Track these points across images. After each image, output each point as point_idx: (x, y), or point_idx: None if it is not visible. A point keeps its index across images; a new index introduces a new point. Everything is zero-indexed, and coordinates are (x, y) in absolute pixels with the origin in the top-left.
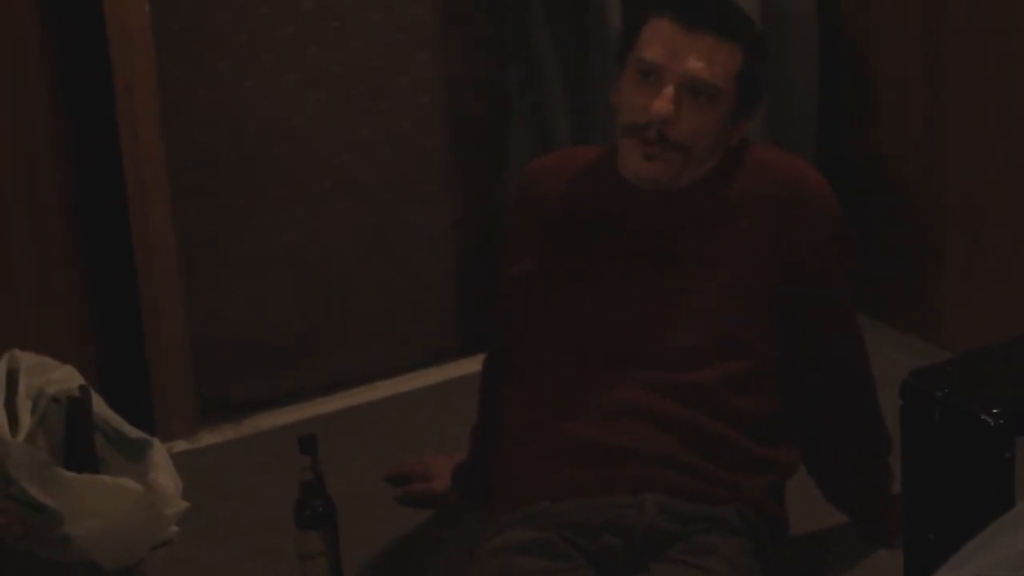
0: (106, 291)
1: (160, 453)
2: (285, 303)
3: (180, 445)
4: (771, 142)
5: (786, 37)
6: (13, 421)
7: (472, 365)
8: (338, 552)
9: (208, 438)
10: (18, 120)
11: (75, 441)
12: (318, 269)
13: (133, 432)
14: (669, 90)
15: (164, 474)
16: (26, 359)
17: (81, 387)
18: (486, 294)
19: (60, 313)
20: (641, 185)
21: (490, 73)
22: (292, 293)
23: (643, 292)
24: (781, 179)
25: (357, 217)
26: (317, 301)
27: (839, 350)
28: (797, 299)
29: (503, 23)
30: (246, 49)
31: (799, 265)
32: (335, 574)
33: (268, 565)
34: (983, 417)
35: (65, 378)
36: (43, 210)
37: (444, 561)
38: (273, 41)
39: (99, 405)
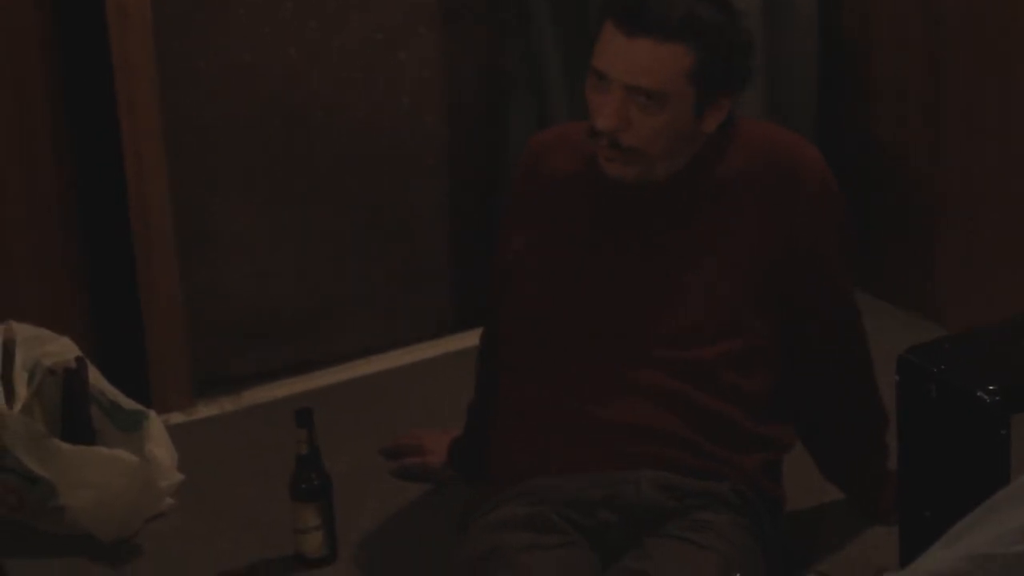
0: (104, 264)
1: (156, 425)
2: (283, 277)
3: (176, 417)
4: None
5: (786, 20)
6: (9, 392)
7: (469, 339)
8: (333, 525)
9: (204, 411)
10: (16, 96)
11: (71, 413)
12: (316, 243)
13: (129, 404)
14: (614, 101)
15: (160, 446)
16: (23, 331)
17: (77, 359)
18: (484, 269)
19: (57, 285)
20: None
21: (490, 49)
22: (290, 267)
23: (640, 270)
24: (776, 156)
25: (355, 192)
26: (315, 275)
27: (836, 327)
28: (794, 276)
29: (503, 0)
30: (245, 24)
31: (796, 242)
32: (330, 547)
33: (263, 538)
34: (979, 394)
35: (61, 350)
36: (41, 184)
37: (439, 535)
38: (272, 16)
39: (95, 377)
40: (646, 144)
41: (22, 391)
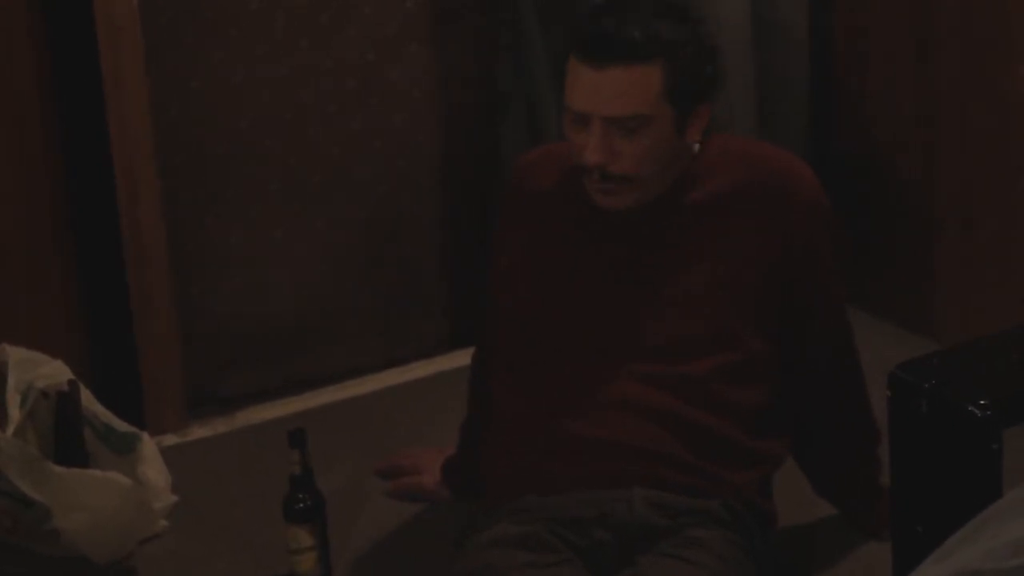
0: (96, 285)
1: (149, 447)
2: (276, 297)
3: (170, 439)
4: (763, 136)
5: (777, 32)
6: (2, 416)
7: (463, 359)
8: (327, 545)
9: (198, 432)
10: (7, 113)
11: (64, 435)
12: (309, 263)
13: (122, 426)
14: (596, 136)
15: (153, 468)
16: (15, 353)
17: (70, 381)
18: (477, 288)
19: (50, 307)
20: None
21: (482, 67)
22: (283, 287)
23: (632, 285)
24: (768, 170)
25: (348, 211)
26: (308, 295)
27: (829, 340)
28: (787, 289)
29: (495, 17)
30: (237, 42)
31: (789, 256)
32: (324, 568)
33: (258, 559)
34: (970, 409)
35: (54, 372)
36: (33, 204)
37: (433, 555)
38: (264, 34)
39: (88, 399)
40: (636, 169)
41: (15, 414)
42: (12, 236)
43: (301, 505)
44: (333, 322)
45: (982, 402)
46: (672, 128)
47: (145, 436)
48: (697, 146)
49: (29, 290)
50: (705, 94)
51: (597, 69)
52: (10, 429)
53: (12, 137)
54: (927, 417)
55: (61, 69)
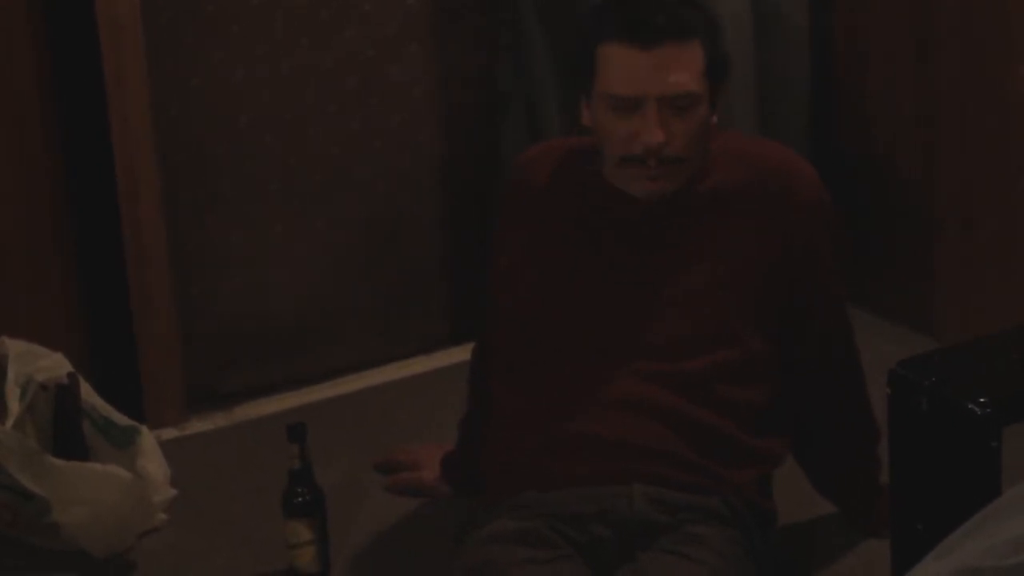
0: (96, 279)
1: (149, 440)
2: (276, 292)
3: (169, 433)
4: (763, 136)
5: (778, 32)
6: (1, 408)
7: (462, 354)
8: (326, 540)
9: (197, 426)
10: (8, 109)
11: (63, 428)
12: (309, 263)
13: (122, 420)
14: (653, 117)
15: (152, 462)
16: (15, 346)
17: (69, 374)
18: (478, 284)
19: (50, 300)
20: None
21: (482, 67)
22: (283, 287)
23: (632, 283)
24: (769, 169)
25: (348, 211)
26: (308, 291)
27: (829, 340)
28: (788, 287)
29: (495, 17)
30: (237, 41)
31: (790, 253)
32: (323, 562)
33: (257, 553)
34: (970, 407)
35: (54, 365)
36: (33, 199)
37: (432, 550)
38: (264, 33)
39: (88, 392)
40: (688, 149)
41: (14, 407)
42: (12, 236)
43: (300, 499)
44: (333, 322)
45: (982, 400)
46: (709, 108)
47: (144, 430)
48: None
49: (29, 290)
50: (725, 74)
51: (646, 50)
52: (9, 422)
53: (12, 137)
54: (927, 415)
55: (61, 69)
